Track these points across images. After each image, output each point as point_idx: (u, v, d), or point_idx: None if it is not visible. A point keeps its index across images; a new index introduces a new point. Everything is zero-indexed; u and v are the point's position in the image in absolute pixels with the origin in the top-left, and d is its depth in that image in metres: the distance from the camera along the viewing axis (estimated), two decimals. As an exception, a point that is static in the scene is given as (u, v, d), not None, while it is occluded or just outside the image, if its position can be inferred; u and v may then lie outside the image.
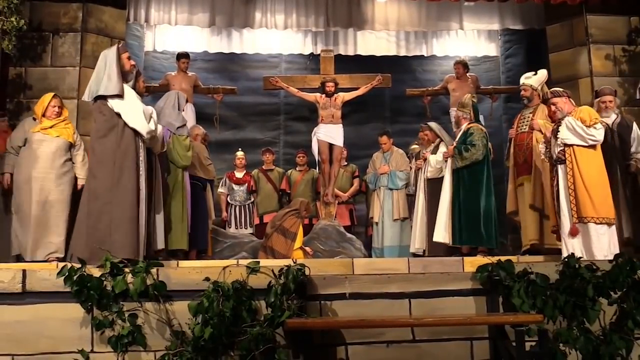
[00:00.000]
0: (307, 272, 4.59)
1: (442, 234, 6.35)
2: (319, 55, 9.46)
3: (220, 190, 8.68)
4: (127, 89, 5.13)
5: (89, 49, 7.59)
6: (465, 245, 6.36)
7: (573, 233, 5.50)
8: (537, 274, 4.75)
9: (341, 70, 9.12)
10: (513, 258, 5.20)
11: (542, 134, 6.23)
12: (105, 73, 5.08)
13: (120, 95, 5.04)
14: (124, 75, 5.14)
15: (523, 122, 6.55)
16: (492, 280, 4.77)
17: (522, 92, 6.61)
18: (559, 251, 5.89)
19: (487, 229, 6.30)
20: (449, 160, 6.53)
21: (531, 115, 6.50)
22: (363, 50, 9.76)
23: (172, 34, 9.63)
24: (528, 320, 4.51)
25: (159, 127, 5.40)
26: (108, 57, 5.14)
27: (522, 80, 6.61)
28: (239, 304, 4.41)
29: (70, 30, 7.58)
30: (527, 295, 4.67)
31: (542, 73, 6.62)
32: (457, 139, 6.64)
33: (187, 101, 6.58)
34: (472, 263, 5.18)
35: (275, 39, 9.78)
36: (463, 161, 6.37)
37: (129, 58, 5.29)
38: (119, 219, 4.90)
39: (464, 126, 6.67)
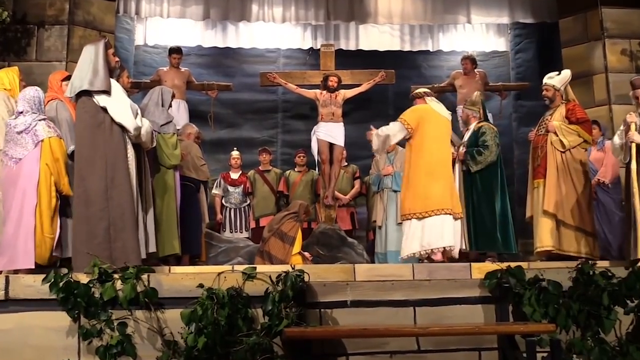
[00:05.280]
0: (306, 279, 4.59)
1: (457, 239, 6.34)
2: (318, 50, 9.44)
3: (214, 192, 8.68)
4: (114, 84, 5.18)
5: (76, 43, 7.59)
6: (480, 251, 6.38)
7: None
8: (549, 281, 4.76)
9: (342, 65, 9.11)
10: (524, 264, 5.21)
11: (557, 136, 6.25)
12: (90, 68, 5.10)
13: (107, 91, 5.06)
14: (110, 72, 5.19)
15: (542, 124, 6.55)
16: (501, 288, 4.78)
17: (544, 92, 6.59)
18: (572, 257, 5.90)
19: (504, 233, 6.32)
20: (458, 162, 6.52)
21: (550, 116, 6.50)
22: (365, 45, 9.77)
23: (164, 27, 9.62)
24: (540, 330, 4.52)
25: (146, 121, 5.42)
26: (95, 52, 5.17)
27: (545, 80, 6.60)
28: (234, 312, 4.42)
29: (56, 22, 7.58)
30: (538, 304, 4.68)
31: (566, 73, 6.61)
32: (466, 139, 6.63)
33: (174, 96, 6.54)
34: (480, 269, 5.19)
35: (273, 32, 9.78)
36: (477, 165, 6.38)
37: (113, 54, 5.37)
38: (119, 223, 4.92)
39: (473, 125, 6.67)
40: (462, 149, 6.56)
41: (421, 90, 6.53)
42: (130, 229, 4.96)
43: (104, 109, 5.06)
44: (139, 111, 5.31)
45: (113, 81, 5.18)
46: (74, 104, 5.33)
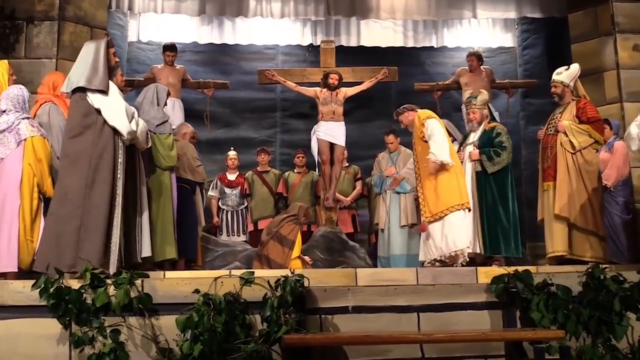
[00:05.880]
0: (306, 284, 4.60)
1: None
2: (318, 46, 9.45)
3: (210, 193, 8.68)
4: (112, 85, 5.20)
5: (66, 39, 7.59)
6: (494, 255, 6.40)
7: None
8: (559, 285, 4.77)
9: (343, 62, 9.11)
10: (532, 268, 5.22)
11: (567, 136, 6.24)
12: (90, 65, 5.12)
13: (104, 91, 5.07)
14: (109, 71, 5.21)
15: (552, 123, 6.54)
16: (508, 293, 4.78)
17: (553, 89, 6.57)
18: (583, 261, 5.90)
19: (515, 237, 6.35)
20: (470, 163, 6.52)
21: (560, 115, 6.48)
22: (367, 41, 9.76)
23: (158, 23, 9.62)
24: (548, 337, 4.52)
25: (141, 121, 5.43)
26: (96, 49, 5.20)
27: (553, 76, 6.60)
28: (231, 319, 4.43)
29: (46, 18, 7.57)
30: (547, 309, 4.68)
31: (574, 67, 6.61)
32: (475, 139, 6.61)
33: (169, 94, 6.54)
34: (486, 274, 5.20)
35: (272, 28, 9.78)
36: (495, 166, 6.40)
37: (114, 54, 5.39)
38: (91, 225, 4.88)
39: (483, 125, 6.67)
40: (473, 149, 6.55)
41: (412, 105, 6.78)
42: (101, 232, 4.88)
43: (98, 111, 5.07)
44: (135, 114, 5.31)
45: (111, 82, 5.19)
46: (68, 100, 5.35)
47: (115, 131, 5.09)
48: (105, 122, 5.06)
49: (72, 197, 4.92)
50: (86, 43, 5.36)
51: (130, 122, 5.17)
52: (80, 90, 5.08)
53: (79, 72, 5.12)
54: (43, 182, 5.18)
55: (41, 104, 5.76)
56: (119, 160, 5.12)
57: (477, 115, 6.72)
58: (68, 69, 6.80)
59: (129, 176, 5.25)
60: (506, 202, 6.41)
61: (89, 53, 5.18)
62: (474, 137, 6.69)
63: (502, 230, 6.35)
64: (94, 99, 5.07)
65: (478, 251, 6.34)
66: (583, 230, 6.17)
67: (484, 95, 6.86)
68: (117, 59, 5.45)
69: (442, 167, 6.12)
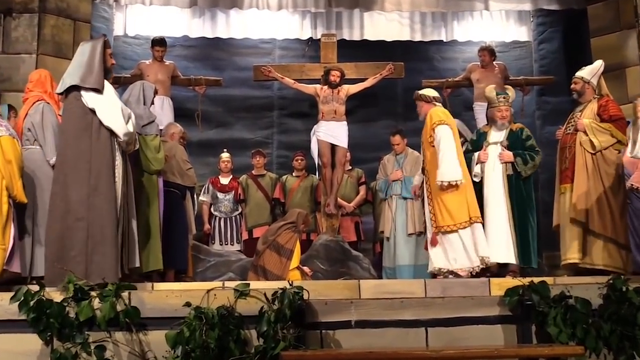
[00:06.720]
0: (305, 296, 4.60)
1: (505, 253, 6.33)
2: (319, 40, 9.48)
3: (202, 199, 8.69)
4: (107, 85, 5.27)
5: (47, 33, 7.62)
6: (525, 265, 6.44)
7: None
8: (577, 298, 4.76)
9: (345, 57, 9.14)
10: (548, 279, 5.22)
11: (586, 135, 6.25)
12: (84, 64, 5.20)
13: (98, 90, 5.13)
14: (105, 72, 5.28)
15: (571, 122, 6.55)
16: (523, 306, 4.78)
17: (573, 85, 6.61)
18: (603, 272, 5.89)
19: (535, 246, 6.40)
20: (501, 166, 6.51)
21: (580, 113, 6.50)
22: (371, 35, 9.78)
23: (146, 16, 9.66)
24: (567, 353, 4.51)
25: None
26: (91, 49, 5.28)
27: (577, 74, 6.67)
28: (225, 334, 4.43)
29: (25, 10, 7.60)
30: (565, 324, 4.68)
31: (597, 63, 6.64)
32: (502, 139, 6.58)
33: (157, 92, 6.56)
34: (499, 285, 5.20)
35: (268, 21, 9.80)
36: (530, 170, 6.45)
37: (111, 55, 5.48)
38: (99, 236, 4.95)
39: (508, 125, 6.67)
40: (502, 150, 6.54)
41: (430, 94, 6.64)
42: (111, 242, 4.98)
43: (93, 111, 5.12)
44: (132, 116, 5.37)
45: (106, 82, 5.26)
46: (61, 103, 5.42)
47: (112, 132, 5.15)
48: (101, 123, 5.13)
49: (75, 207, 5.00)
50: (82, 43, 5.46)
51: (127, 123, 5.22)
52: (75, 90, 5.15)
53: (73, 72, 5.21)
54: (13, 185, 5.19)
55: (33, 103, 5.79)
56: (117, 163, 5.20)
57: (509, 114, 6.74)
58: (49, 65, 6.88)
59: (122, 181, 5.29)
60: (533, 209, 6.47)
61: (84, 53, 5.28)
62: (498, 136, 6.65)
63: (529, 239, 6.41)
64: (88, 99, 5.14)
65: (513, 261, 6.34)
66: (601, 236, 6.15)
67: (513, 92, 6.91)
68: (114, 62, 5.56)
69: (450, 185, 6.06)
